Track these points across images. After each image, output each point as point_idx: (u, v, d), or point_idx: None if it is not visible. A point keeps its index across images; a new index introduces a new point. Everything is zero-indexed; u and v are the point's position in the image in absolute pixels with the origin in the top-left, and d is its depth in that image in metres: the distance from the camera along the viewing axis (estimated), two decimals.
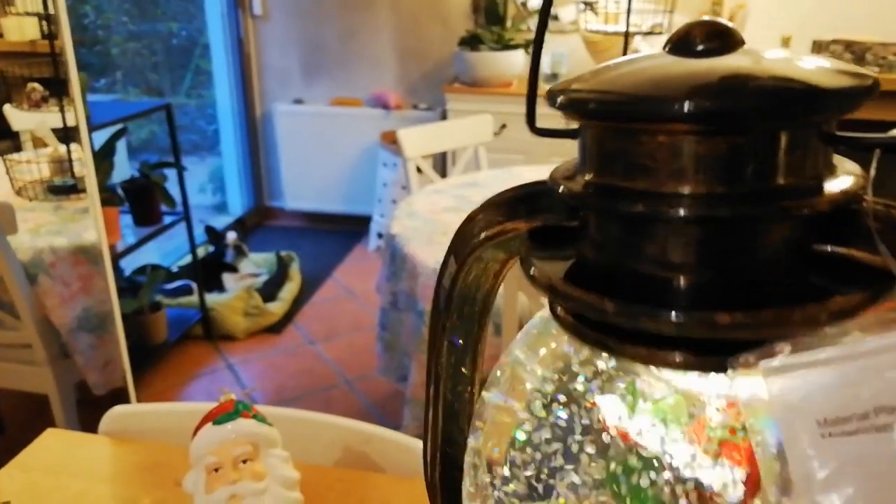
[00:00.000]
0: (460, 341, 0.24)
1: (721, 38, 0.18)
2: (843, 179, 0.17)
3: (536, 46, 0.21)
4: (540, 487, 0.20)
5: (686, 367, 0.17)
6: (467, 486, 0.22)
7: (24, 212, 1.84)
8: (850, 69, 0.18)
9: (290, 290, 3.03)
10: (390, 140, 3.19)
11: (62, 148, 1.97)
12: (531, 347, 0.22)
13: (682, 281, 0.17)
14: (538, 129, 0.21)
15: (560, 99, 0.19)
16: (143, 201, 2.42)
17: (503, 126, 3.02)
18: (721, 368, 0.16)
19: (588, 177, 0.19)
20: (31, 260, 1.76)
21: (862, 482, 0.11)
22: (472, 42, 3.13)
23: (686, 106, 0.16)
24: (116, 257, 2.39)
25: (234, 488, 0.56)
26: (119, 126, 2.32)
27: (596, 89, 0.18)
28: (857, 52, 2.80)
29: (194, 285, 2.77)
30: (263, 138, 3.84)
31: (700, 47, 0.18)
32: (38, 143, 1.99)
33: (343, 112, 3.61)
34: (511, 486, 0.21)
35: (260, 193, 3.93)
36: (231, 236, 3.12)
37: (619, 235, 0.18)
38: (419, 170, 2.49)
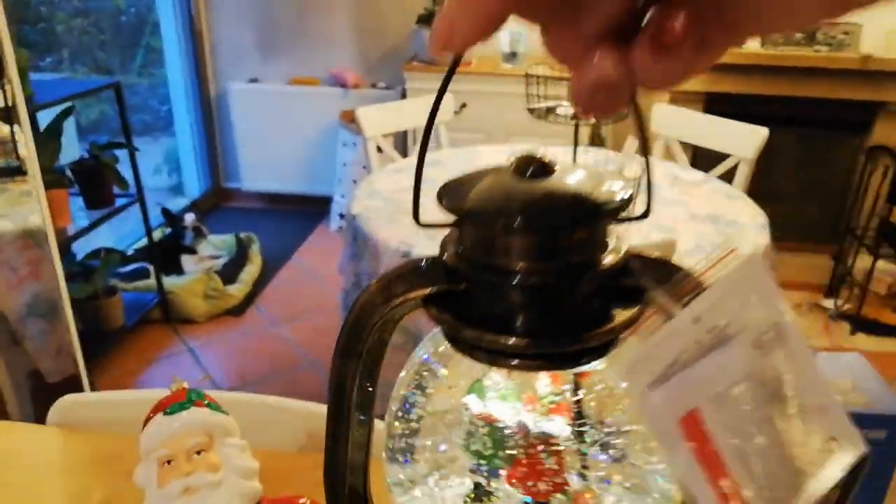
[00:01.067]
0: (369, 386, 0.30)
1: (541, 166, 0.27)
2: (613, 254, 0.27)
3: (422, 151, 0.29)
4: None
5: (528, 368, 0.28)
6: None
7: None
8: (618, 188, 0.27)
9: (250, 272, 2.98)
10: (349, 119, 3.14)
11: (5, 128, 1.89)
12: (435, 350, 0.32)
13: (524, 318, 0.27)
14: (422, 223, 0.28)
15: (443, 201, 0.28)
16: (94, 183, 2.34)
17: (463, 105, 2.99)
18: (552, 366, 0.28)
19: (462, 252, 0.27)
20: None
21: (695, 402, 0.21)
22: (429, 20, 3.09)
23: (516, 221, 0.26)
24: (67, 241, 2.31)
25: (188, 481, 0.53)
26: (66, 105, 2.23)
27: (461, 202, 0.27)
28: (807, 30, 2.84)
29: (151, 268, 2.70)
30: (219, 118, 3.75)
31: (528, 172, 0.27)
32: None
33: (301, 91, 3.54)
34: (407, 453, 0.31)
35: (217, 174, 3.84)
36: (189, 218, 3.05)
37: (484, 291, 0.27)
38: (379, 149, 2.46)
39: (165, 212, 2.99)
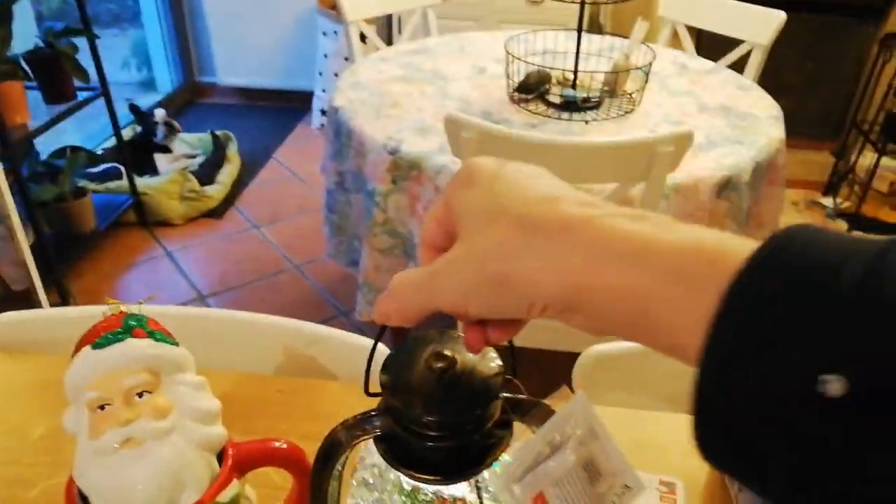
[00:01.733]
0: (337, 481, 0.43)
1: (445, 360, 0.37)
2: (496, 408, 0.39)
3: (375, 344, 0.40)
4: None
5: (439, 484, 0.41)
6: None
7: None
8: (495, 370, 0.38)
9: (228, 173, 2.82)
10: (329, 5, 2.88)
11: None
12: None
13: (434, 459, 0.38)
14: (370, 393, 0.39)
15: (381, 378, 0.38)
16: (52, 75, 2.13)
17: None
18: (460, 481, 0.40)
19: (393, 412, 0.38)
20: None
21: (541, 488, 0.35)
22: None
23: (420, 409, 0.37)
24: (27, 138, 2.14)
25: (129, 430, 0.43)
26: None
27: (391, 382, 0.38)
28: None
29: (122, 169, 2.53)
30: (190, 7, 3.45)
31: (437, 366, 0.37)
32: None
33: None
34: None
35: (189, 68, 3.59)
36: (159, 113, 2.85)
37: (409, 441, 0.38)
38: (363, 37, 2.25)
39: (133, 108, 2.79)
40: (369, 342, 0.76)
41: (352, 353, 0.76)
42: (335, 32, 2.99)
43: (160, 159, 2.74)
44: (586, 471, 0.37)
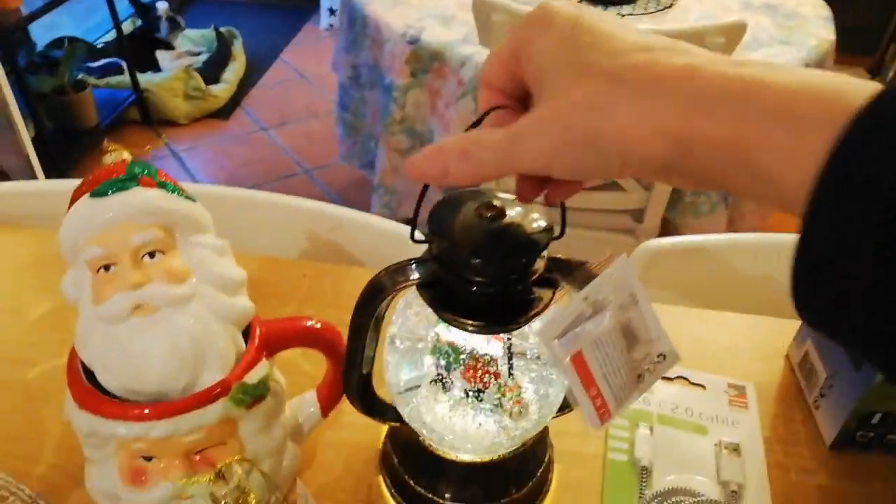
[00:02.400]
0: (372, 338, 0.41)
1: (496, 210, 0.36)
2: (541, 261, 0.37)
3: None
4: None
5: (478, 332, 0.38)
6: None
7: None
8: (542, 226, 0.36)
9: (234, 71, 2.68)
10: None
11: None
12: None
13: (477, 306, 0.37)
14: (416, 240, 0.38)
15: (428, 228, 0.36)
16: None
17: None
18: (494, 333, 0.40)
19: (440, 258, 0.37)
20: None
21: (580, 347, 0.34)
22: None
23: (468, 252, 0.35)
24: (21, 24, 2.01)
25: (139, 295, 0.36)
26: None
27: (439, 231, 0.36)
28: None
29: (124, 63, 2.41)
30: None
31: (486, 214, 0.36)
32: None
33: None
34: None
35: None
36: (162, 6, 2.68)
37: (454, 286, 0.37)
38: None
39: (134, 0, 2.63)
40: (394, 225, 0.69)
41: (376, 237, 0.69)
42: None
43: (162, 56, 2.61)
44: (624, 336, 0.37)
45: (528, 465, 0.46)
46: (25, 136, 1.62)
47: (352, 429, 0.51)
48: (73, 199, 0.37)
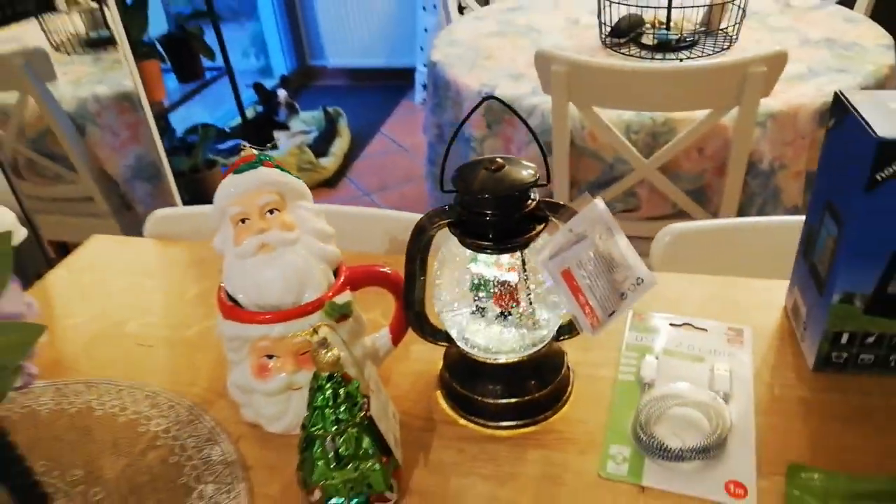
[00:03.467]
0: (421, 268, 0.58)
1: (497, 163, 0.52)
2: (532, 201, 0.53)
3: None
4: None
5: (496, 252, 0.54)
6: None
7: (64, 65, 1.82)
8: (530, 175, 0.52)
9: (340, 146, 3.00)
10: None
11: (94, 3, 1.92)
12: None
13: (491, 231, 0.52)
14: (445, 190, 0.54)
15: (455, 182, 0.53)
16: (183, 55, 2.37)
17: None
18: (507, 252, 0.54)
19: (463, 203, 0.53)
20: (77, 110, 1.76)
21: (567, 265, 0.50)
22: None
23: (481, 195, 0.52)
24: (163, 113, 2.39)
25: (264, 237, 0.54)
26: None
27: (461, 183, 0.53)
28: None
29: (247, 144, 2.76)
30: None
31: (491, 167, 0.52)
32: None
33: None
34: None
35: (302, 53, 3.83)
36: (282, 94, 3.07)
37: (475, 221, 0.53)
38: (461, 8, 2.34)
39: (258, 87, 3.02)
40: None
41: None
42: (434, 6, 3.10)
43: (279, 135, 2.97)
44: (605, 261, 0.50)
45: (546, 372, 0.59)
46: (177, 197, 1.93)
47: (418, 361, 0.66)
48: (222, 180, 0.56)
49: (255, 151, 0.57)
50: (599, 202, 0.51)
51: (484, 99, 0.59)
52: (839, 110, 0.56)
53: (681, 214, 1.54)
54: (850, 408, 0.58)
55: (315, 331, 0.47)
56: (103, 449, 0.58)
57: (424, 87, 3.42)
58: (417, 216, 0.90)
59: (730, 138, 1.42)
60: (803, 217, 0.65)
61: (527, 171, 0.52)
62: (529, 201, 0.52)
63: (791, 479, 0.51)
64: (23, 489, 0.52)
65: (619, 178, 1.50)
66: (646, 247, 1.55)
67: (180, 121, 2.81)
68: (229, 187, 0.55)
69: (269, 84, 3.57)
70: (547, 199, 0.53)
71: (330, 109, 3.14)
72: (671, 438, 0.55)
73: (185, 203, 2.42)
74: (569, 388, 0.61)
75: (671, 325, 0.68)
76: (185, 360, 0.69)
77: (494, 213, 0.51)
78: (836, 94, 0.57)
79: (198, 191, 2.51)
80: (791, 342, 0.65)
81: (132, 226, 1.95)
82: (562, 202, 0.53)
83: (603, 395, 0.61)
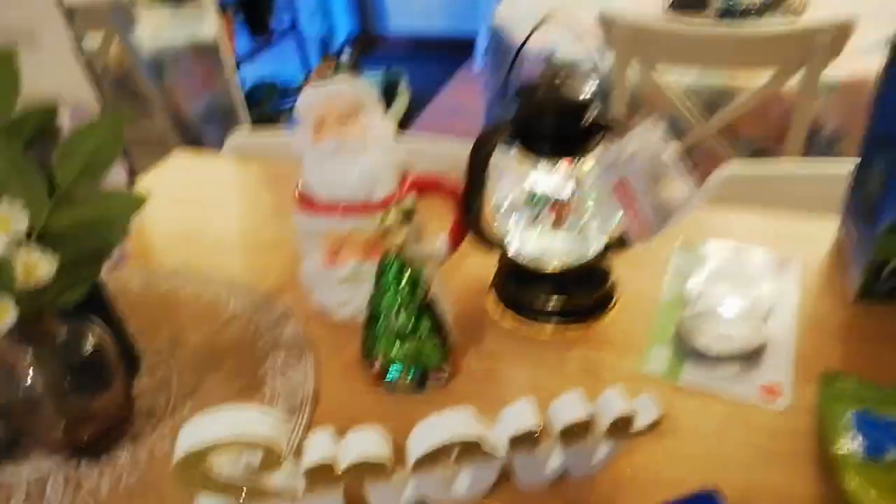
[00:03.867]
0: (480, 178, 0.61)
1: (560, 74, 0.57)
2: (593, 113, 0.56)
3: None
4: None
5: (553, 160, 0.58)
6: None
7: (144, 15, 1.92)
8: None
9: (399, 106, 3.06)
10: None
11: None
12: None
13: (551, 138, 0.57)
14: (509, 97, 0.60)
15: (517, 97, 0.58)
16: (254, 12, 2.45)
17: None
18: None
19: (524, 115, 0.58)
20: (156, 57, 1.86)
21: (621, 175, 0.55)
22: None
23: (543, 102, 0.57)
24: (233, 65, 2.48)
25: (341, 139, 0.59)
26: None
27: (522, 97, 0.58)
28: None
29: None
30: None
31: (554, 80, 0.57)
32: None
33: None
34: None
35: (365, 18, 3.88)
36: (345, 55, 3.14)
37: (536, 134, 0.58)
38: None
39: (324, 45, 3.10)
40: None
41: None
42: None
43: None
44: (655, 175, 0.54)
45: (592, 281, 0.63)
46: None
47: (472, 269, 0.71)
48: (303, 88, 0.62)
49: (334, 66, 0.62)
50: (655, 122, 0.55)
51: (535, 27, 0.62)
52: None
53: None
54: (889, 333, 0.60)
55: (386, 215, 0.52)
56: (186, 323, 0.65)
57: (486, 53, 3.44)
58: None
59: (793, 105, 1.42)
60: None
61: (588, 85, 0.56)
62: (588, 114, 0.56)
63: (826, 385, 0.54)
64: (119, 343, 0.59)
65: (675, 138, 1.51)
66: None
67: (246, 75, 2.91)
68: (311, 95, 0.60)
69: (332, 48, 3.65)
70: (606, 113, 0.57)
71: (391, 70, 3.19)
72: (712, 344, 0.58)
73: None
74: (614, 300, 0.65)
75: (719, 251, 0.71)
76: (260, 258, 0.76)
77: (553, 123, 0.55)
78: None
79: None
80: (837, 275, 0.67)
81: None
82: (618, 119, 0.57)
83: (647, 310, 0.64)
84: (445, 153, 0.93)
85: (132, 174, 0.92)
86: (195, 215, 0.85)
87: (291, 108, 2.50)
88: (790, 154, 1.45)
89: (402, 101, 3.09)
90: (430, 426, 0.44)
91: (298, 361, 0.60)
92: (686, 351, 0.58)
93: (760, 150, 1.51)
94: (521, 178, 0.61)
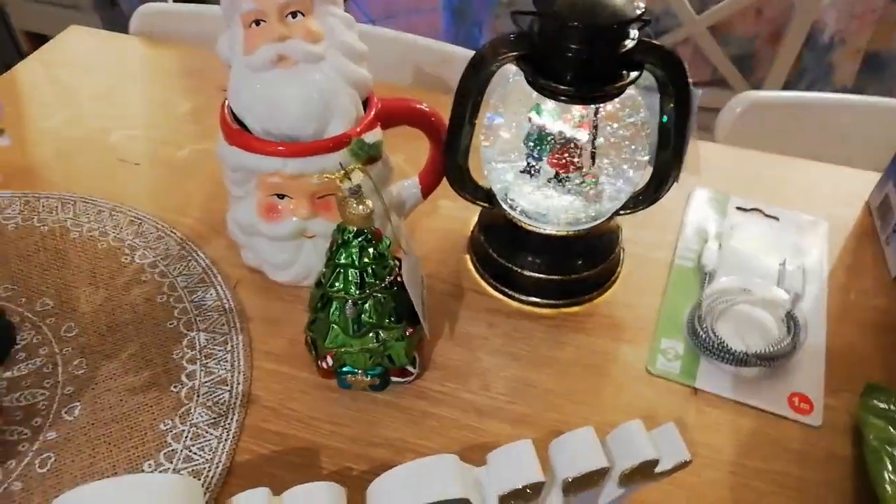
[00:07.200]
0: (472, 110, 0.46)
1: None
2: (630, 41, 0.41)
3: None
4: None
5: (571, 102, 0.43)
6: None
7: None
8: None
9: None
10: None
11: None
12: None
13: (572, 73, 0.41)
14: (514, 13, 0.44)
15: (535, 5, 0.42)
16: None
17: None
18: (584, 102, 0.43)
19: (540, 31, 0.42)
20: None
21: None
22: None
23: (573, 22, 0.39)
24: None
25: (282, 47, 0.43)
26: None
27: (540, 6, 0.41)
28: None
29: None
30: None
31: None
32: None
33: None
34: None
35: None
36: None
37: (553, 57, 0.42)
38: None
39: None
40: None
41: None
42: None
43: None
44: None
45: (598, 249, 0.51)
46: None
47: (446, 218, 0.57)
48: None
49: None
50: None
51: None
52: None
53: (720, 83, 1.42)
54: None
55: (347, 175, 0.37)
56: (78, 277, 0.50)
57: None
58: (454, 49, 0.77)
59: (794, 1, 1.27)
60: None
61: (633, 1, 0.40)
62: (628, 40, 0.41)
63: (865, 400, 0.45)
64: None
65: (662, 34, 1.35)
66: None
67: None
68: None
69: None
70: (646, 39, 0.42)
71: None
72: (733, 339, 0.48)
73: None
74: (618, 268, 0.53)
75: (738, 208, 0.59)
76: (174, 185, 0.60)
77: (581, 48, 0.40)
78: None
79: None
80: (873, 243, 0.57)
81: (116, 22, 1.77)
82: (664, 47, 0.42)
83: (657, 279, 0.53)
84: (416, 57, 0.76)
85: (21, 53, 0.72)
86: (91, 116, 0.67)
87: None
88: (784, 58, 1.32)
89: None
90: (398, 484, 0.33)
91: (226, 342, 0.46)
92: (703, 346, 0.48)
93: (749, 53, 1.37)
94: (524, 112, 0.46)
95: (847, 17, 1.33)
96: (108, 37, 0.77)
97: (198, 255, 0.53)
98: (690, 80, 0.43)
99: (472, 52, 0.74)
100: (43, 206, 0.56)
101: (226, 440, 0.41)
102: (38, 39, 1.81)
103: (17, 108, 0.67)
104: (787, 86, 1.37)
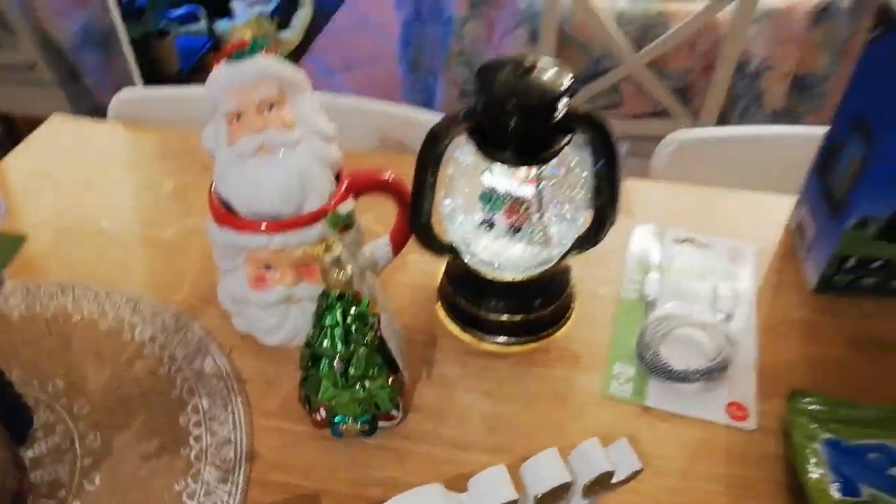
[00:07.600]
0: (432, 178, 0.52)
1: (526, 69, 0.48)
2: (561, 111, 0.48)
3: None
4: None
5: (515, 164, 0.50)
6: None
7: None
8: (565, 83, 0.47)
9: (303, 18, 2.81)
10: None
11: None
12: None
13: (513, 141, 0.49)
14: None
15: (477, 80, 0.49)
16: None
17: None
18: (528, 164, 0.50)
19: (484, 108, 0.49)
20: None
21: None
22: None
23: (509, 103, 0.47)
24: None
25: (262, 137, 0.49)
26: None
27: (484, 84, 0.48)
28: None
29: (201, 11, 2.57)
30: None
31: (519, 70, 0.48)
32: None
33: None
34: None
35: None
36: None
37: (496, 130, 0.49)
38: None
39: None
40: None
41: None
42: None
43: (237, 4, 2.75)
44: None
45: (551, 289, 0.58)
46: (134, 70, 1.79)
47: (416, 273, 0.63)
48: (214, 66, 0.50)
49: (248, 35, 0.51)
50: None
51: None
52: (886, 20, 0.53)
53: (662, 114, 1.51)
54: (851, 331, 0.58)
55: (328, 247, 0.43)
56: (85, 358, 0.55)
57: None
58: (414, 112, 0.84)
59: (722, 35, 1.37)
60: (820, 130, 0.63)
61: (559, 76, 0.47)
62: (557, 112, 0.48)
63: (792, 403, 0.51)
64: (2, 400, 0.49)
65: (603, 72, 1.45)
66: (635, 147, 1.53)
67: None
68: (222, 79, 0.49)
69: None
70: (573, 108, 0.49)
71: None
72: (675, 359, 0.54)
73: (142, 77, 2.26)
74: (572, 305, 0.60)
75: (675, 240, 0.66)
76: (164, 263, 0.65)
77: (519, 123, 0.47)
78: (884, 3, 0.53)
79: (150, 61, 2.34)
80: (793, 261, 0.64)
81: (81, 98, 1.82)
82: (592, 114, 0.49)
83: (606, 312, 0.60)
84: (378, 121, 0.83)
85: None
86: (80, 205, 0.72)
87: (183, 18, 2.22)
88: (717, 87, 1.42)
89: (305, 13, 2.85)
90: None
91: (226, 405, 0.52)
92: (650, 368, 0.54)
93: (686, 85, 1.47)
94: (476, 175, 0.53)
95: (773, 43, 1.44)
96: (88, 124, 0.83)
97: (192, 326, 0.58)
98: (614, 138, 0.50)
99: (430, 114, 0.82)
100: (44, 293, 0.61)
101: (235, 494, 0.46)
102: (6, 119, 1.85)
103: (9, 200, 0.72)
104: (723, 111, 1.47)
